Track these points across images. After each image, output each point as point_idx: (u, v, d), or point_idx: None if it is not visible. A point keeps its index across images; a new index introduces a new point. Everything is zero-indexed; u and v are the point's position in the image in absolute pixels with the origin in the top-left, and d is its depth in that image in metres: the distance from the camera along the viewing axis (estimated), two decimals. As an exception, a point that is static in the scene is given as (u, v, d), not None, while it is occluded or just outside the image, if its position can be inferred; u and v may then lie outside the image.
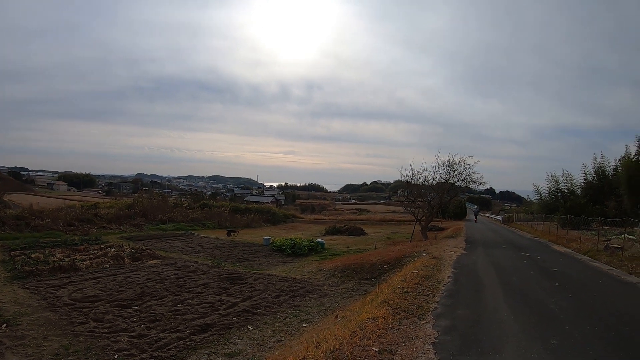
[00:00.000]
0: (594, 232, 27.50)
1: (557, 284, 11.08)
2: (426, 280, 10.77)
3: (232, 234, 34.09)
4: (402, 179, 29.95)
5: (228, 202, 63.00)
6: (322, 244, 27.84)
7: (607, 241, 20.19)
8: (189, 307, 11.78)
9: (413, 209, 30.90)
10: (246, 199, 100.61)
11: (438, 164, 28.46)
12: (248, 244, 28.59)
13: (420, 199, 30.58)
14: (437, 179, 28.73)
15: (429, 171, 29.70)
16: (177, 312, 11.21)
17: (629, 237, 22.43)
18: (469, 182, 28.52)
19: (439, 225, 43.90)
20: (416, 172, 29.26)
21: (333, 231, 40.26)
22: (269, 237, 29.32)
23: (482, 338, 6.22)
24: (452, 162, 27.99)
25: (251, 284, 15.29)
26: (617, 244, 19.16)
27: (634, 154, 41.80)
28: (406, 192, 32.60)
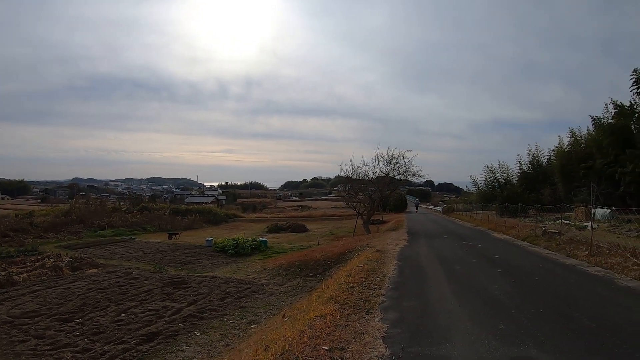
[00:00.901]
0: (531, 219, 28.99)
1: (500, 270, 11.54)
2: (371, 274, 10.83)
3: (173, 236, 33.70)
4: (343, 174, 30.58)
5: (168, 204, 61.45)
6: (265, 242, 27.98)
7: (544, 227, 21.36)
8: (133, 316, 11.64)
9: (354, 204, 31.51)
10: (186, 200, 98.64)
11: (378, 159, 29.46)
12: (190, 246, 28.64)
13: (361, 194, 31.19)
14: (377, 173, 29.64)
15: (369, 166, 30.56)
16: (121, 322, 11.09)
17: (565, 222, 23.79)
18: (409, 175, 29.68)
19: (381, 219, 44.81)
20: (356, 167, 30.04)
21: (275, 229, 40.49)
22: (211, 238, 29.17)
23: (431, 328, 6.26)
24: (392, 156, 29.01)
25: (195, 287, 15.36)
26: (554, 229, 20.28)
27: (566, 144, 44.81)
28: (347, 187, 33.14)
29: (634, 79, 34.31)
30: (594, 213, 27.93)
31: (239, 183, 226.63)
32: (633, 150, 31.07)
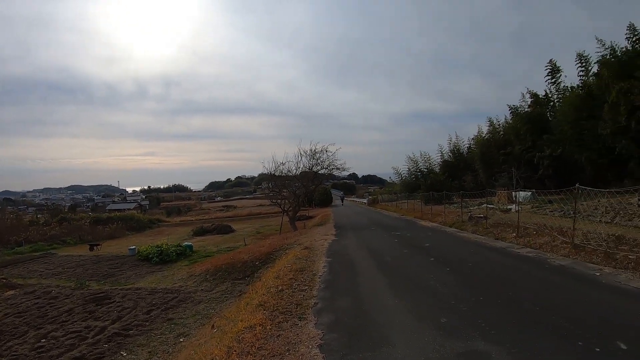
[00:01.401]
0: (456, 205, 29.87)
1: (432, 258, 11.43)
2: (301, 274, 10.30)
3: (94, 248, 32.51)
4: (266, 171, 29.94)
5: (88, 214, 57.99)
6: (190, 247, 27.42)
7: (470, 212, 21.87)
8: (54, 341, 10.89)
9: (279, 201, 30.98)
10: (108, 207, 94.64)
11: (300, 154, 29.24)
12: (113, 256, 27.65)
13: (285, 190, 30.73)
14: (300, 169, 29.43)
15: (292, 161, 30.35)
16: (41, 350, 10.39)
17: (489, 206, 24.60)
18: (333, 168, 29.75)
19: (307, 214, 44.80)
20: (279, 163, 29.67)
21: (201, 232, 39.83)
22: (134, 247, 28.18)
23: (369, 329, 5.83)
24: (314, 150, 28.93)
25: (119, 302, 14.72)
26: (479, 214, 20.82)
27: (485, 133, 47.19)
28: (270, 184, 32.52)
29: (549, 70, 36.81)
30: (516, 196, 29.37)
31: (162, 186, 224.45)
32: (549, 135, 33.23)
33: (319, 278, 9.70)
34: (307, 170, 29.44)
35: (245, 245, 26.93)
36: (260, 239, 29.39)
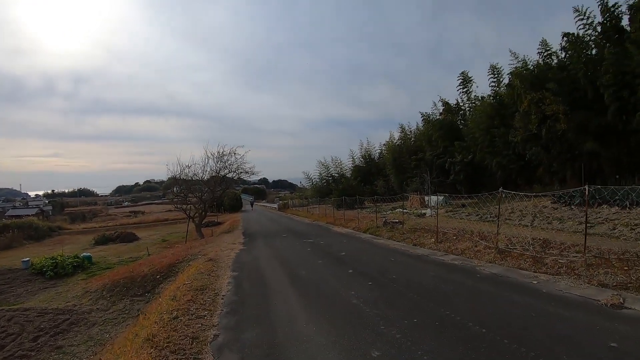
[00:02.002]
0: (369, 210, 29.42)
1: (351, 270, 10.31)
2: (201, 294, 8.73)
3: None
4: (169, 174, 27.84)
5: None
6: (89, 258, 25.07)
7: (384, 217, 21.26)
8: None
9: (184, 207, 28.77)
10: (7, 213, 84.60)
11: (207, 156, 27.29)
12: (4, 270, 24.01)
13: (191, 195, 28.56)
14: (207, 172, 27.50)
15: (199, 164, 28.81)
16: None
17: (404, 210, 24.26)
18: (241, 172, 28.31)
19: (216, 220, 42.59)
20: (185, 166, 27.48)
21: (103, 240, 36.45)
22: (27, 259, 24.77)
23: (285, 375, 4.50)
24: (222, 153, 27.26)
25: (4, 326, 12.77)
26: (394, 219, 20.29)
27: (397, 139, 47.88)
28: (176, 188, 30.25)
29: (460, 80, 38.35)
30: (430, 200, 29.50)
31: (66, 190, 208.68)
32: (461, 142, 34.36)
33: (222, 299, 8.22)
34: (214, 173, 27.60)
35: (149, 255, 24.87)
36: (165, 248, 27.48)
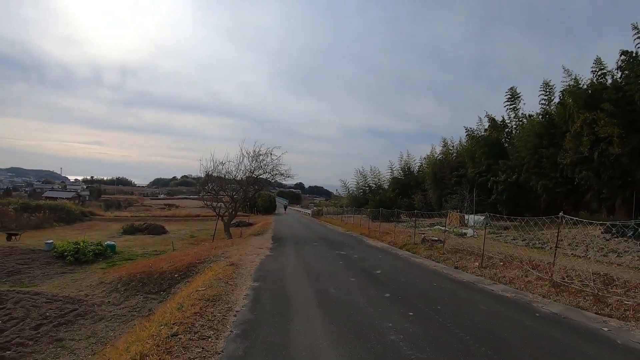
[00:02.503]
0: (405, 224, 27.83)
1: (388, 294, 8.82)
2: (211, 307, 7.44)
3: (12, 238, 28.55)
4: (201, 170, 26.70)
5: (17, 199, 52.01)
6: (112, 247, 24.86)
7: (423, 234, 19.70)
8: None
9: (214, 204, 27.69)
10: (45, 194, 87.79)
11: (242, 155, 25.95)
12: (28, 250, 24.08)
13: (222, 193, 27.52)
14: (241, 171, 26.30)
15: (233, 162, 27.19)
16: None
17: (442, 228, 22.64)
18: (276, 174, 26.77)
19: (247, 220, 41.66)
20: (218, 162, 26.22)
21: (131, 230, 36.58)
22: (51, 241, 24.86)
23: None
24: (258, 152, 25.93)
25: (10, 309, 12.23)
26: (433, 236, 18.74)
27: (438, 153, 46.15)
28: (208, 185, 29.21)
29: (508, 95, 36.27)
30: (469, 219, 27.74)
31: (105, 178, 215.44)
32: (505, 161, 32.31)
33: (235, 316, 6.88)
34: (249, 173, 26.37)
35: (173, 250, 24.16)
36: (191, 244, 26.82)
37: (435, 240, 17.60)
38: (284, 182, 31.20)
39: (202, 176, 27.59)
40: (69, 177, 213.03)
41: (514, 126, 36.81)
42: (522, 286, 9.77)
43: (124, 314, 12.27)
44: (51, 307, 12.70)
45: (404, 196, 44.34)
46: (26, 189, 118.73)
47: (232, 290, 8.95)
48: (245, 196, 27.60)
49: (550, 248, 14.92)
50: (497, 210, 30.26)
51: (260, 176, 26.34)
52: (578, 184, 25.31)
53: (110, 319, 11.80)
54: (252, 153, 25.81)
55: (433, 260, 14.52)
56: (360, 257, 14.99)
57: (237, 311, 7.22)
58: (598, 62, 26.25)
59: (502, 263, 12.24)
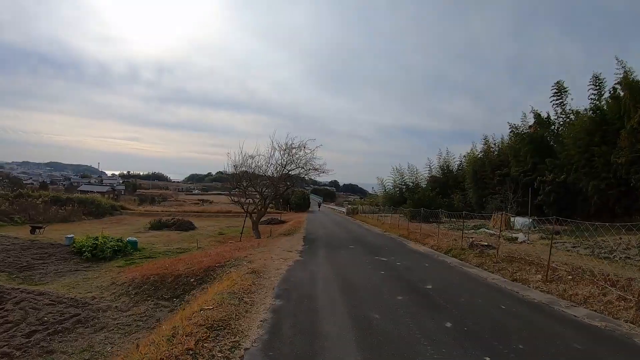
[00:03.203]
0: (447, 226, 25.52)
1: (449, 323, 6.60)
2: (213, 339, 5.42)
3: (37, 230, 27.57)
4: (230, 163, 24.79)
5: (49, 192, 52.48)
6: (133, 243, 23.12)
7: (472, 238, 17.33)
8: None
9: (242, 200, 25.61)
10: (80, 188, 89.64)
11: (274, 147, 23.70)
12: (48, 244, 22.69)
13: (252, 189, 25.42)
14: (272, 165, 24.08)
15: (263, 155, 24.77)
16: None
17: (488, 231, 20.37)
18: (310, 169, 24.31)
19: (279, 218, 39.81)
20: (248, 155, 24.12)
21: (158, 226, 34.94)
22: (71, 236, 23.31)
23: None
24: (290, 145, 23.66)
25: (9, 310, 10.96)
26: (482, 241, 16.42)
27: (479, 151, 43.65)
28: (234, 180, 27.02)
29: (554, 90, 33.28)
30: (515, 222, 25.20)
31: (141, 173, 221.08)
32: (553, 159, 29.88)
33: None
34: (280, 168, 24.13)
35: (199, 248, 22.47)
36: (219, 242, 25.07)
37: (485, 246, 15.26)
38: (318, 179, 28.60)
39: (230, 171, 25.14)
40: (107, 172, 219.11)
41: (561, 123, 33.61)
42: (602, 308, 7.70)
43: (128, 323, 10.70)
44: (52, 310, 11.21)
45: (443, 195, 41.70)
46: (63, 183, 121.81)
47: (246, 311, 6.87)
48: (276, 193, 25.53)
49: (620, 259, 12.52)
50: (542, 213, 27.74)
51: (293, 171, 24.16)
52: (634, 186, 22.54)
53: (112, 329, 10.24)
54: (283, 146, 23.65)
55: (486, 269, 12.25)
56: (404, 266, 12.74)
57: (245, 349, 5.16)
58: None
59: (570, 277, 9.89)
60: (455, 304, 7.96)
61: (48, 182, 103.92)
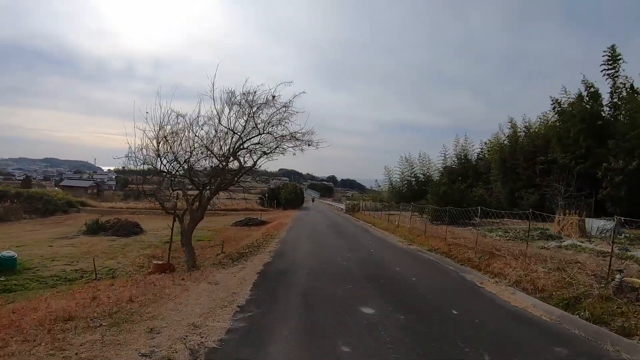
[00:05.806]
0: (482, 229, 16.77)
1: None
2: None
3: None
4: (143, 138, 11.74)
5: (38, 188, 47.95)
6: (9, 260, 15.05)
7: (621, 272, 7.77)
8: None
9: (164, 197, 14.00)
10: (62, 183, 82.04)
11: (222, 103, 11.63)
12: None
13: (186, 179, 12.82)
14: (219, 138, 11.98)
15: (204, 116, 11.86)
16: None
17: (576, 242, 11.98)
18: (288, 139, 11.92)
19: (259, 218, 29.52)
20: (175, 118, 11.62)
21: (94, 228, 25.60)
22: None
23: None
24: (253, 98, 11.34)
25: None
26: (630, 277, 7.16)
27: (505, 136, 35.02)
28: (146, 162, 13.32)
29: (607, 56, 25.99)
30: (591, 226, 17.30)
31: (137, 168, 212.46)
32: (616, 141, 22.29)
33: None
34: (235, 138, 11.97)
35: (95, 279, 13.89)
36: (149, 258, 16.81)
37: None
38: (305, 147, 12.35)
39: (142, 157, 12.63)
40: (103, 168, 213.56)
41: (623, 96, 25.32)
42: None
43: None
44: None
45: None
46: (56, 178, 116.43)
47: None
48: (220, 183, 12.45)
49: None
50: (605, 211, 21.33)
51: (255, 144, 12.03)
52: None
53: None
54: (239, 96, 11.45)
55: None
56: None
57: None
58: None
59: None
60: None
61: (31, 177, 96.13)
